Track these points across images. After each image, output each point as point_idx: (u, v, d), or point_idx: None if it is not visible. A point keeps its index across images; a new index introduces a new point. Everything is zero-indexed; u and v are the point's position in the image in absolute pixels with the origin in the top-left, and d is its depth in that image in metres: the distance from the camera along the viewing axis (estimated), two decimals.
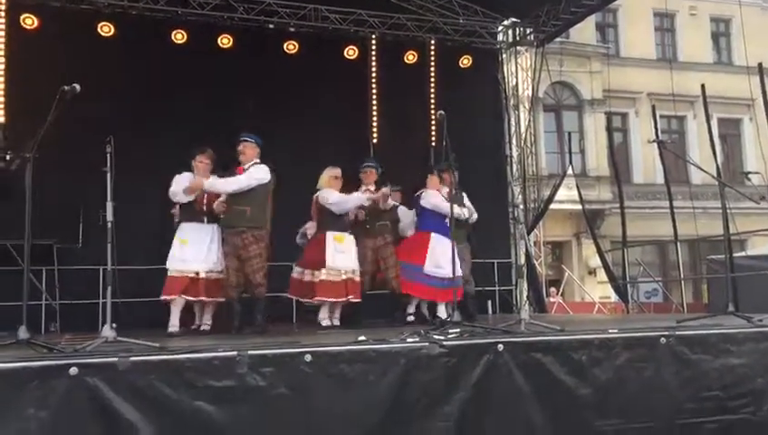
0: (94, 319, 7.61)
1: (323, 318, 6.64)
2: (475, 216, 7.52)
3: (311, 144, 9.09)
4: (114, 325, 4.11)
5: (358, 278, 6.70)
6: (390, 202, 7.21)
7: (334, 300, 6.56)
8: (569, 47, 16.83)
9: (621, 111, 19.58)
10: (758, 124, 17.03)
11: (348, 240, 6.75)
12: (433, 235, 7.05)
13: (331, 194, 6.72)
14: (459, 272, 6.59)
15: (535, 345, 4.16)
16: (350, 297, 6.59)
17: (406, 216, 7.53)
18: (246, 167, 6.06)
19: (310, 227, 7.62)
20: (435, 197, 7.12)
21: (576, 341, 4.26)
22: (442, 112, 5.24)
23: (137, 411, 3.41)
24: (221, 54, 9.30)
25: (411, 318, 7.24)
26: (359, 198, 6.86)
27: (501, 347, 4.06)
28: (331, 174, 6.87)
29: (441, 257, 6.82)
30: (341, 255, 6.59)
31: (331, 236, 6.65)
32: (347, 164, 7.43)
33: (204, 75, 8.95)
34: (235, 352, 3.63)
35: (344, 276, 6.56)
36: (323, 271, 6.51)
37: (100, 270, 7.76)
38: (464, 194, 7.38)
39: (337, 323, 6.67)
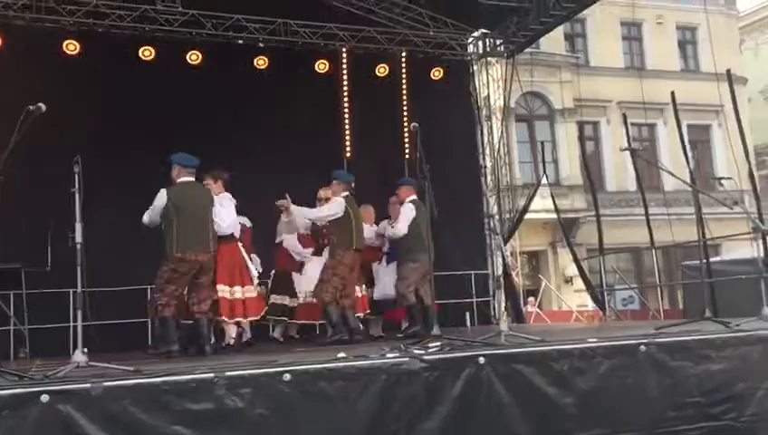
0: (65, 344, 7.48)
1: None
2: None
3: (283, 159, 9.06)
4: (86, 350, 4.02)
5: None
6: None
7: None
8: (539, 57, 17.02)
9: (593, 120, 19.85)
10: (728, 130, 17.33)
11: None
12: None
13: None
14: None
15: (516, 357, 4.16)
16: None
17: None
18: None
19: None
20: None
21: (557, 351, 4.26)
22: (416, 124, 5.26)
23: None
24: (190, 71, 9.25)
25: None
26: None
27: (482, 360, 4.05)
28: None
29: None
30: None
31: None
32: (320, 181, 7.43)
33: (173, 92, 8.89)
34: (212, 374, 3.57)
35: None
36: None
37: (70, 293, 7.66)
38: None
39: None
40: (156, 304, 5.73)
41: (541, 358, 4.20)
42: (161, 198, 5.81)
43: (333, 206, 6.55)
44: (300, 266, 7.31)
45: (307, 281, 6.94)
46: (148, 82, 8.84)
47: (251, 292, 6.40)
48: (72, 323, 7.66)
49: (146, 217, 5.88)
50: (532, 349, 4.29)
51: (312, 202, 7.06)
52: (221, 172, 6.36)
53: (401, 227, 6.86)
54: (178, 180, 5.90)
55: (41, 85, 7.45)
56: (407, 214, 6.93)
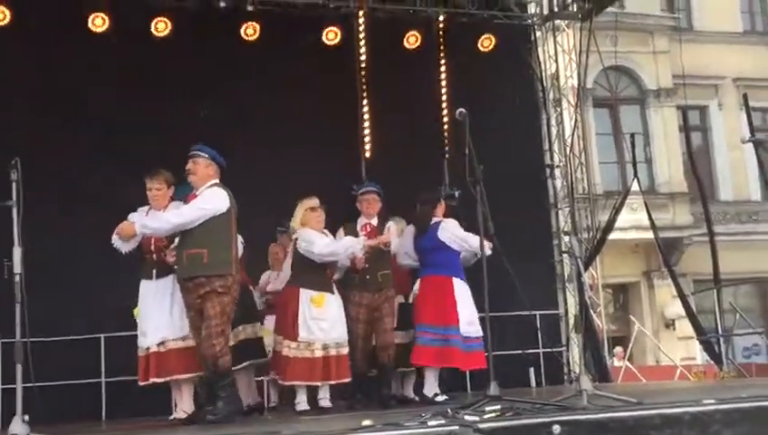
0: None
1: (299, 402, 6.70)
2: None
3: (281, 161, 9.18)
4: (26, 418, 4.10)
5: (344, 351, 6.80)
6: (392, 247, 7.28)
7: (305, 383, 6.71)
8: (625, 20, 16.98)
9: (699, 104, 19.75)
10: None
11: (330, 304, 6.82)
12: (456, 280, 7.14)
13: (315, 238, 6.78)
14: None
15: (605, 425, 4.15)
16: (328, 381, 6.71)
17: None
18: (199, 192, 6.10)
19: (271, 280, 7.78)
20: (458, 227, 7.19)
21: (660, 417, 4.25)
22: (463, 111, 5.32)
23: None
24: (156, 45, 9.40)
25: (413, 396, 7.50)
26: (353, 245, 6.91)
27: (558, 429, 4.04)
28: (306, 206, 6.96)
29: (471, 310, 6.94)
30: (318, 323, 6.68)
31: (306, 296, 6.75)
32: (331, 188, 7.51)
33: (134, 73, 9.04)
34: None
35: (321, 353, 6.66)
36: (293, 344, 6.65)
37: None
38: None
39: (327, 404, 6.70)
40: (218, 351, 5.82)
41: (637, 426, 4.18)
42: (222, 199, 5.94)
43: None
44: None
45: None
46: (101, 59, 9.00)
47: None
48: (1, 386, 7.85)
49: (178, 220, 5.88)
50: (625, 414, 4.27)
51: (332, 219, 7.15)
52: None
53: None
54: (215, 181, 6.07)
55: None
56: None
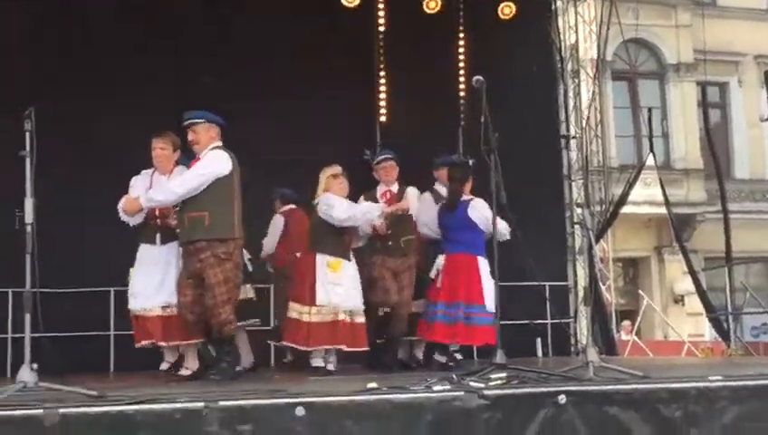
0: (1, 360, 7.70)
1: (315, 358, 6.70)
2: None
3: (293, 127, 9.15)
4: (35, 366, 4.13)
5: (360, 320, 6.76)
6: (412, 212, 7.22)
7: (326, 347, 6.68)
8: None
9: (719, 80, 19.63)
10: None
11: (346, 268, 6.79)
12: (480, 259, 7.09)
13: (336, 202, 6.73)
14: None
15: (611, 397, 4.18)
16: (342, 346, 6.68)
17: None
18: (201, 155, 6.01)
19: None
20: (487, 207, 7.01)
21: (666, 391, 4.27)
22: (480, 78, 5.30)
23: None
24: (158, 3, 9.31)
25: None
26: (371, 211, 6.87)
27: (563, 399, 4.08)
28: (329, 173, 6.91)
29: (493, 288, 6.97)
30: (335, 288, 6.65)
31: (323, 261, 6.71)
32: (345, 155, 7.48)
33: (145, 30, 8.99)
34: (201, 404, 3.65)
35: (336, 317, 6.62)
36: (313, 309, 6.59)
37: (9, 294, 7.84)
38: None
39: (332, 368, 6.71)
40: (224, 319, 5.83)
41: (644, 399, 4.21)
42: (225, 163, 5.86)
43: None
44: None
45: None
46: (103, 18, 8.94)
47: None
48: (10, 335, 7.91)
49: (182, 190, 5.82)
50: (632, 387, 4.30)
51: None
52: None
53: None
54: (217, 144, 5.99)
55: None
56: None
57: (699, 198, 18.18)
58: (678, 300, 18.35)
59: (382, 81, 10.29)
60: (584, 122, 11.01)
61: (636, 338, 14.35)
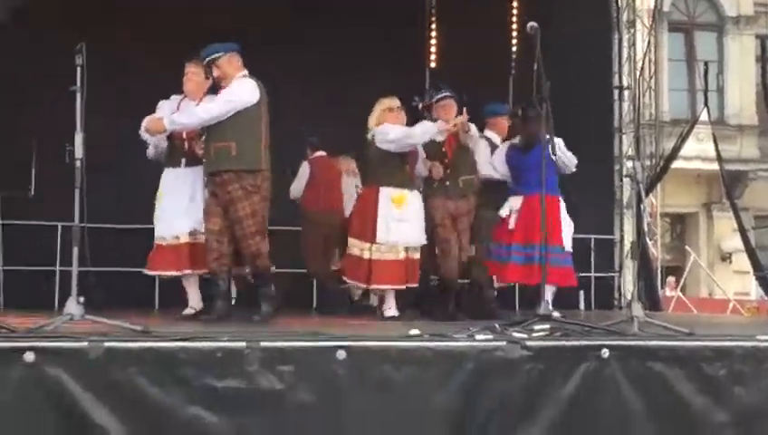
0: (48, 294, 7.84)
1: (389, 307, 6.56)
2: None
3: (338, 69, 9.07)
4: (81, 300, 4.18)
5: (417, 256, 6.58)
6: (473, 134, 6.88)
7: (391, 287, 6.50)
8: None
9: None
10: None
11: (411, 201, 6.57)
12: (559, 200, 6.89)
13: (390, 128, 6.52)
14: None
15: (655, 353, 4.15)
16: (412, 284, 6.52)
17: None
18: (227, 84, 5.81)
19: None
20: (564, 147, 6.85)
21: (711, 349, 4.24)
22: (534, 24, 5.16)
23: (111, 414, 3.48)
24: None
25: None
26: (430, 129, 6.59)
27: (606, 353, 4.06)
28: (385, 106, 6.68)
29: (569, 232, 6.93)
30: (400, 224, 6.42)
31: (386, 195, 6.49)
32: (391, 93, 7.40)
33: None
34: (243, 343, 3.68)
35: (403, 254, 6.44)
36: (373, 247, 6.42)
37: (59, 228, 7.96)
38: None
39: (393, 313, 6.55)
40: (255, 251, 5.70)
41: (688, 356, 4.18)
42: (252, 91, 5.68)
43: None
44: None
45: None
46: None
47: None
48: (58, 268, 8.05)
49: (207, 115, 5.64)
50: (676, 343, 4.27)
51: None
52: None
53: None
54: (243, 73, 5.80)
55: None
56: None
57: (752, 155, 18.05)
58: (726, 258, 18.23)
59: (433, 25, 10.16)
60: (638, 74, 10.81)
61: (680, 294, 14.28)
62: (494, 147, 7.30)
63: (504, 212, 6.97)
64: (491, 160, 7.16)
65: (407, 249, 6.48)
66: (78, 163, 4.34)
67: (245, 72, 5.82)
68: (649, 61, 11.01)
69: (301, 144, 8.34)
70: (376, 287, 6.56)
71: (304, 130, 8.36)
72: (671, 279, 15.29)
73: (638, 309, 4.83)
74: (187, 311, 6.16)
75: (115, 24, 8.39)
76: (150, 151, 6.51)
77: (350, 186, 8.43)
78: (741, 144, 18.14)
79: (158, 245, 6.16)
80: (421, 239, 6.60)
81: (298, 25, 9.11)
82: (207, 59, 5.80)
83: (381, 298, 6.74)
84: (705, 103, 11.69)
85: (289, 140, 7.41)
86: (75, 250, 4.27)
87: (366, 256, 6.45)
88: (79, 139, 4.38)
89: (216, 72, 5.80)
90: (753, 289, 15.90)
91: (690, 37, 18.56)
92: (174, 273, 6.17)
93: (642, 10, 11.12)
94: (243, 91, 5.69)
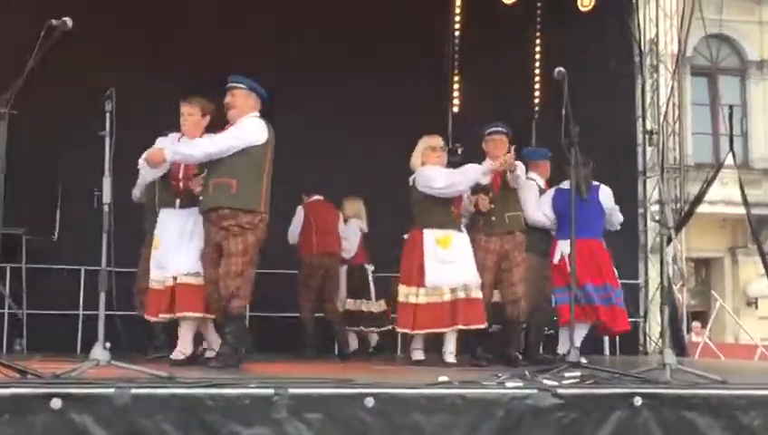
0: (71, 337, 7.86)
1: (417, 349, 6.49)
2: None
3: (363, 111, 9.17)
4: (108, 345, 4.17)
5: (476, 295, 6.37)
6: (520, 175, 6.69)
7: (432, 331, 6.38)
8: None
9: None
10: None
11: (457, 242, 6.43)
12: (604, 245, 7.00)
13: (432, 171, 6.42)
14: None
15: (688, 401, 4.06)
16: (458, 326, 6.29)
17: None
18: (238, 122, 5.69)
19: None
20: (611, 194, 6.96)
21: (746, 398, 4.15)
22: (561, 70, 5.19)
23: None
24: None
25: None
26: (474, 170, 6.47)
27: (639, 401, 3.98)
28: (427, 144, 6.59)
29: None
30: (446, 266, 6.31)
31: (431, 237, 6.39)
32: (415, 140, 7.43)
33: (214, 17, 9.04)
34: (271, 390, 3.64)
35: (449, 296, 6.28)
36: (421, 290, 6.29)
37: (81, 271, 7.99)
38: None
39: (451, 359, 6.38)
40: (233, 292, 5.48)
41: (722, 405, 4.10)
42: (261, 131, 5.58)
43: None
44: None
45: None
46: None
47: None
48: (82, 312, 8.07)
49: (212, 148, 5.50)
50: (710, 392, 4.19)
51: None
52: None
53: None
54: (255, 114, 5.71)
55: None
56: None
57: None
58: (752, 303, 18.12)
59: (456, 69, 10.26)
60: (662, 119, 10.81)
61: (707, 340, 14.13)
62: (539, 189, 7.26)
63: (557, 259, 6.92)
64: (541, 205, 7.11)
65: (453, 290, 6.28)
66: (106, 208, 4.35)
67: (257, 113, 5.71)
68: (673, 105, 10.99)
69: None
70: (416, 333, 6.40)
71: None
72: (696, 324, 15.14)
73: (670, 356, 4.77)
74: (176, 355, 5.94)
75: (144, 68, 8.51)
76: (136, 193, 6.57)
77: (353, 228, 8.58)
78: (766, 188, 18.10)
79: (152, 289, 6.05)
80: (474, 279, 6.39)
81: (320, 67, 9.20)
82: (229, 84, 5.69)
83: (410, 340, 6.64)
84: (731, 147, 11.64)
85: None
86: (102, 296, 4.25)
87: (412, 300, 6.31)
88: (107, 183, 4.38)
89: (227, 98, 5.68)
90: None
91: (713, 81, 18.60)
92: (168, 316, 5.98)
93: (666, 55, 11.11)
94: (252, 129, 5.58)
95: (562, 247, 6.85)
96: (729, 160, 11.58)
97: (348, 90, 9.28)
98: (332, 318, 8.37)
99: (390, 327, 8.20)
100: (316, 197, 8.47)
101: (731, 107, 13.38)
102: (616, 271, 7.01)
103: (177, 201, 6.02)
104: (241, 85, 5.68)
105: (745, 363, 10.92)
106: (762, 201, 17.31)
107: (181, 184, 6.00)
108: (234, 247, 5.47)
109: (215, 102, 5.97)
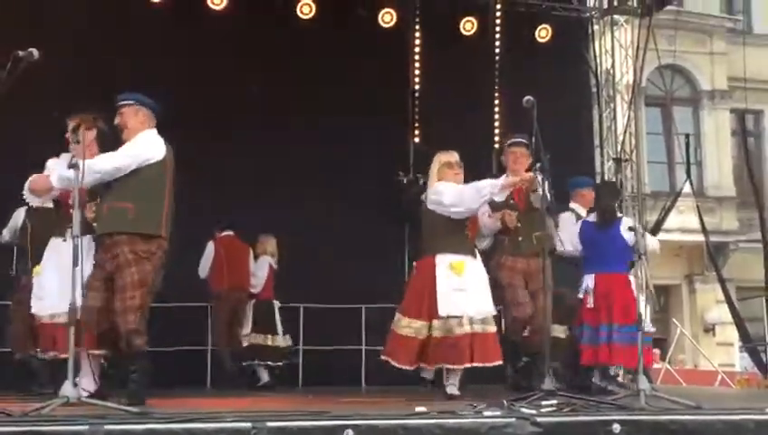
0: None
1: (452, 383, 5.95)
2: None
3: (323, 146, 9.21)
4: (78, 381, 4.08)
5: (491, 329, 5.93)
6: (541, 194, 5.92)
7: (453, 367, 5.90)
8: (684, 19, 16.85)
9: (754, 108, 19.43)
10: None
11: (471, 269, 5.98)
12: (631, 278, 6.57)
13: (444, 187, 5.94)
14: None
15: (666, 427, 4.04)
16: (474, 364, 5.85)
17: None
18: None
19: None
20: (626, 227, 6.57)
21: (722, 423, 4.13)
22: (530, 98, 5.23)
23: None
24: (211, 21, 9.34)
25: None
26: (488, 185, 5.90)
27: (617, 428, 3.93)
28: (443, 160, 6.12)
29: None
30: (461, 293, 5.84)
31: (444, 262, 5.92)
32: (377, 170, 7.44)
33: (189, 47, 9.02)
34: (249, 424, 3.57)
35: (468, 328, 5.81)
36: (436, 323, 5.84)
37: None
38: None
39: (454, 391, 5.95)
40: (132, 328, 5.03)
41: (699, 430, 4.07)
42: (155, 146, 5.21)
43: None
44: None
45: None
46: (160, 32, 8.96)
47: None
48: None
49: (98, 167, 5.02)
50: (686, 417, 4.18)
51: (370, 205, 6.96)
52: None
53: None
54: (149, 128, 5.31)
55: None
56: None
57: (732, 227, 18.16)
58: (709, 329, 18.25)
59: (416, 101, 10.34)
60: (619, 149, 10.90)
61: (668, 366, 14.23)
62: (579, 219, 6.99)
63: (581, 294, 6.65)
64: (568, 237, 6.70)
65: (470, 322, 5.82)
66: (76, 241, 4.27)
67: (152, 129, 5.35)
68: (630, 134, 11.10)
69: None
70: (436, 366, 6.00)
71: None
72: (655, 351, 15.21)
73: (644, 382, 4.79)
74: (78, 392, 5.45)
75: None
76: (5, 235, 6.33)
77: (263, 264, 8.75)
78: (721, 216, 18.29)
79: (41, 323, 5.82)
80: (488, 309, 5.99)
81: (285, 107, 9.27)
82: (117, 103, 5.34)
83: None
84: (689, 176, 11.86)
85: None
86: (71, 330, 4.17)
87: (423, 334, 5.88)
88: (77, 215, 4.31)
89: (117, 119, 5.33)
90: (737, 361, 15.91)
91: (667, 111, 18.82)
92: (57, 354, 5.63)
93: (621, 85, 11.24)
94: (145, 145, 5.21)
95: (587, 282, 6.63)
96: (686, 189, 11.75)
97: (319, 124, 9.29)
98: (237, 350, 8.60)
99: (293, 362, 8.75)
100: (226, 232, 8.68)
101: (687, 136, 13.58)
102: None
103: (68, 231, 4.94)
104: (128, 102, 5.32)
105: (714, 390, 11.02)
106: (717, 229, 17.52)
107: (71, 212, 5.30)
108: (128, 278, 5.06)
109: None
